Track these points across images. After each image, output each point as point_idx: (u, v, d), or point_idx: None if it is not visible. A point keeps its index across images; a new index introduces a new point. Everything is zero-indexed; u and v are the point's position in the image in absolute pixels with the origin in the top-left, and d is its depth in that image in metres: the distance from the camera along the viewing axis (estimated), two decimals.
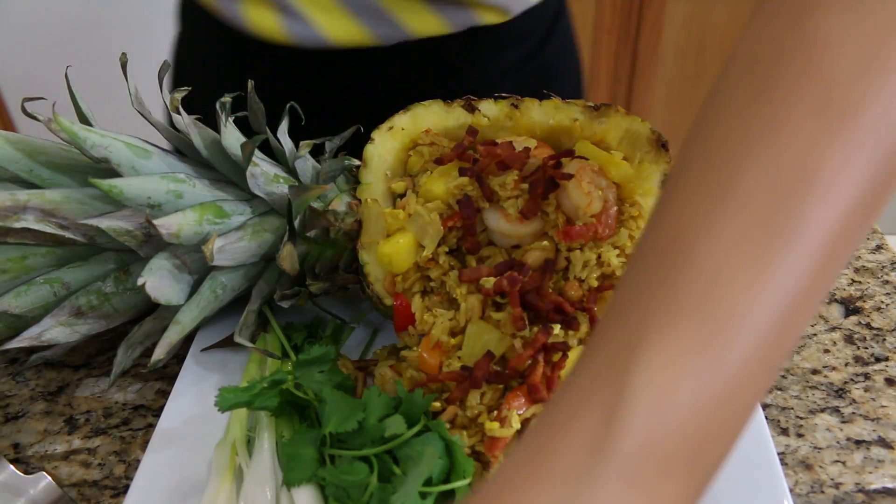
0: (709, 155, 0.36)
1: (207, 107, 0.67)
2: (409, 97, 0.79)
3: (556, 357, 0.58)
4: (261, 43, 0.82)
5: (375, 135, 0.68)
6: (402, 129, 0.68)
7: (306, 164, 0.69)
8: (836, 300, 0.78)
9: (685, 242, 0.33)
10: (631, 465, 0.29)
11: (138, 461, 0.64)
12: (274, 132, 0.68)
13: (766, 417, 0.64)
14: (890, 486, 0.61)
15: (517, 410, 0.56)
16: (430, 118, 0.68)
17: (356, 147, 0.70)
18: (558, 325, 0.59)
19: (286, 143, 0.70)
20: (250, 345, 0.65)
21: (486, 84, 0.89)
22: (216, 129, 0.65)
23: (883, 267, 0.82)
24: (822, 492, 0.61)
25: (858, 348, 0.73)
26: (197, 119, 0.67)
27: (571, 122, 0.64)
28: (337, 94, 0.85)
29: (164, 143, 0.70)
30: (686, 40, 2.36)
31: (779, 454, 0.63)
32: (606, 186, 0.60)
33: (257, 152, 0.67)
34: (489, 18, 0.82)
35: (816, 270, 0.32)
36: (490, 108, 0.65)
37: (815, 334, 0.74)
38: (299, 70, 0.85)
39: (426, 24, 0.79)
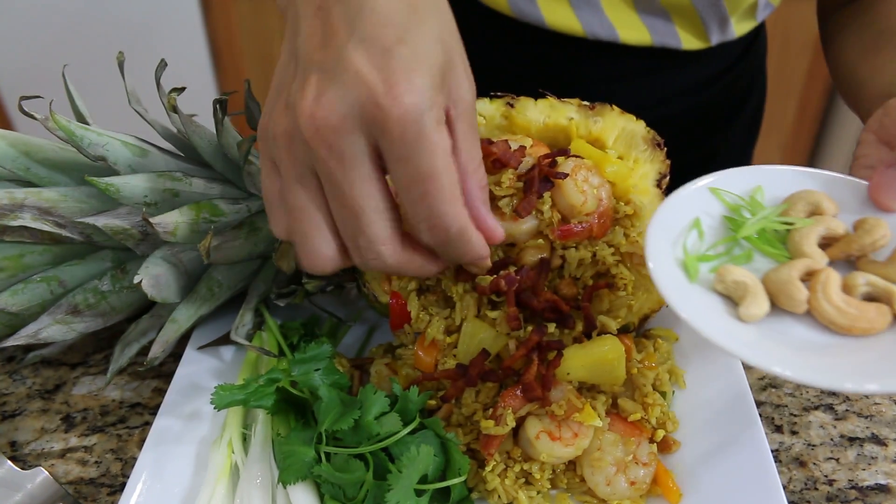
0: None
1: None
2: (601, 91, 0.83)
3: (551, 356, 0.58)
4: (484, 7, 0.85)
5: None
6: None
7: None
8: None
9: None
10: None
11: (135, 459, 0.64)
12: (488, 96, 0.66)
13: (761, 415, 0.64)
14: (883, 482, 0.61)
15: (512, 408, 0.56)
16: None
17: None
18: (553, 324, 0.59)
19: None
20: (247, 343, 0.65)
21: (675, 93, 0.92)
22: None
23: None
24: (816, 489, 0.61)
25: None
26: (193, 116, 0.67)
27: (567, 120, 0.64)
28: (538, 72, 0.88)
29: (162, 142, 0.70)
30: (770, 40, 2.37)
31: (773, 451, 0.63)
32: (601, 185, 0.61)
33: (253, 150, 0.67)
34: (689, 44, 0.85)
35: None
36: (486, 107, 0.65)
37: None
38: (513, 40, 0.87)
39: (634, 31, 0.83)
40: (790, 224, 0.50)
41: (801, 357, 0.44)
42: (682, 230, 0.50)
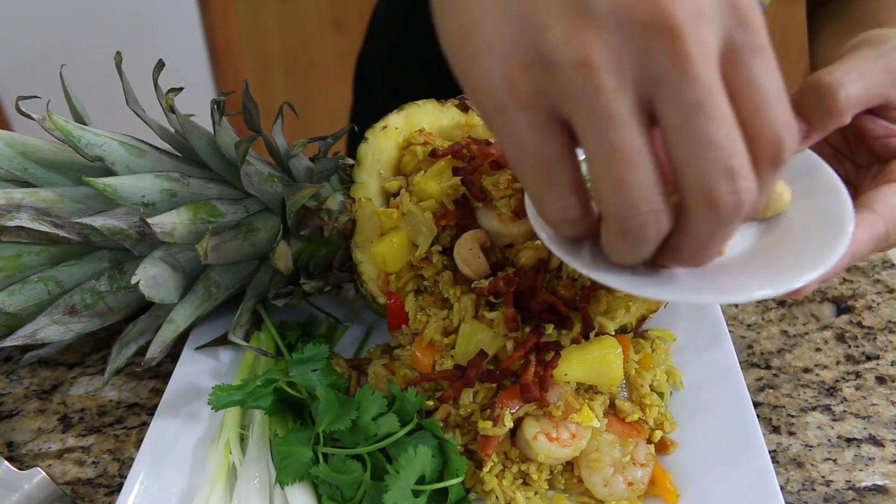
0: None
1: (398, 61, 0.62)
2: None
3: (549, 356, 0.58)
4: None
5: (369, 134, 0.68)
6: (396, 129, 0.68)
7: (300, 163, 0.69)
8: (827, 299, 0.79)
9: None
10: None
11: (132, 459, 0.64)
12: None
13: (758, 416, 0.64)
14: (880, 483, 0.61)
15: (510, 409, 0.56)
16: (424, 117, 0.68)
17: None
18: (551, 325, 0.59)
19: (280, 141, 0.70)
20: (244, 343, 0.65)
21: None
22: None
23: (874, 266, 0.83)
24: (814, 489, 0.61)
25: (850, 347, 0.73)
26: (188, 116, 0.67)
27: None
28: None
29: (159, 142, 0.70)
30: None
31: (770, 452, 0.63)
32: None
33: (251, 151, 0.67)
34: None
35: None
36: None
37: (806, 333, 0.75)
38: None
39: None
40: None
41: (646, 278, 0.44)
42: None
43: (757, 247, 0.48)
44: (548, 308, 0.59)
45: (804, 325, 0.76)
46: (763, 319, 0.76)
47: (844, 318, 0.77)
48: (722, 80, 0.34)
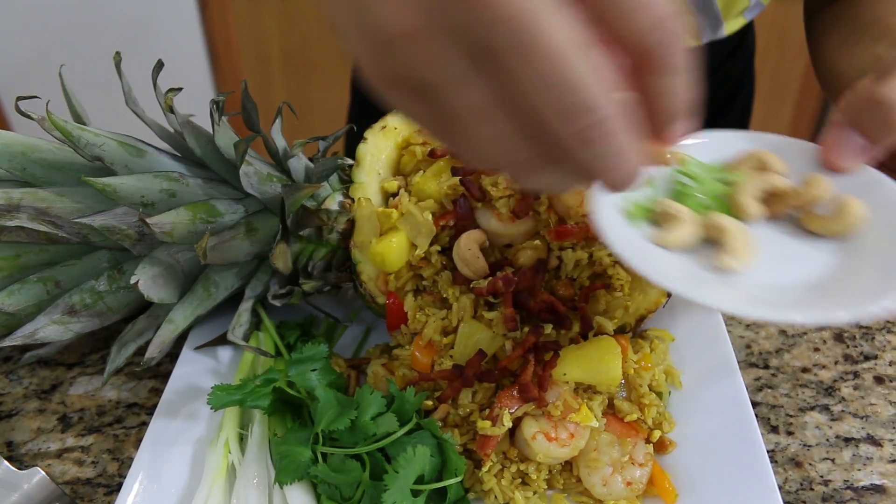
0: None
1: None
2: None
3: (548, 356, 0.58)
4: None
5: (368, 134, 0.68)
6: (395, 129, 0.68)
7: (299, 163, 0.69)
8: None
9: None
10: None
11: (131, 459, 0.64)
12: None
13: (757, 415, 0.65)
14: (878, 482, 0.61)
15: (508, 409, 0.56)
16: None
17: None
18: (549, 326, 0.59)
19: (279, 141, 0.70)
20: (243, 343, 0.65)
21: None
22: None
23: None
24: (812, 489, 0.61)
25: (848, 347, 0.73)
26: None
27: None
28: None
29: (158, 142, 0.70)
30: (766, 41, 2.37)
31: (769, 452, 0.63)
32: None
33: (251, 151, 0.67)
34: None
35: None
36: None
37: (805, 333, 0.75)
38: None
39: None
40: (732, 181, 0.50)
41: (709, 286, 0.44)
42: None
43: (838, 265, 0.47)
44: (546, 308, 0.59)
45: None
46: None
47: None
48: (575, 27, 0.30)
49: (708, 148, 0.53)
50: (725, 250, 0.46)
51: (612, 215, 0.47)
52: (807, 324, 0.42)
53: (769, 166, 0.51)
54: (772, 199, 0.50)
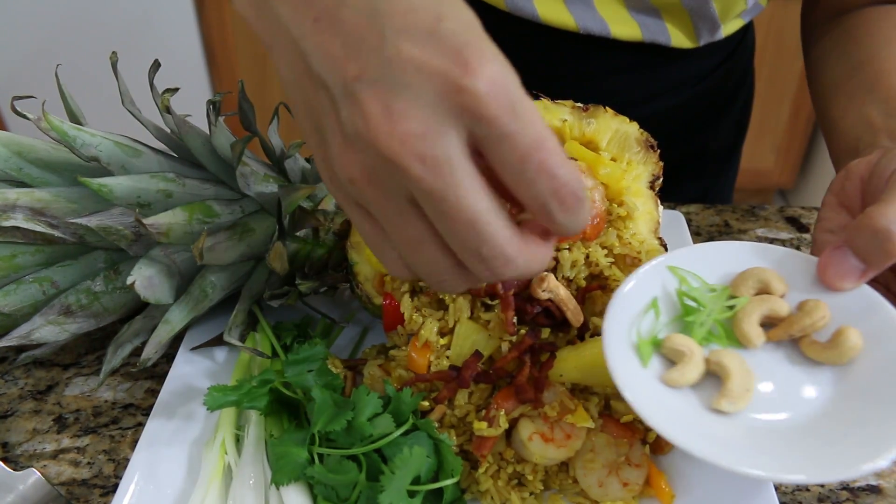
0: None
1: None
2: (593, 86, 0.86)
3: (544, 357, 0.58)
4: (478, 2, 0.84)
5: None
6: None
7: (296, 164, 0.69)
8: None
9: None
10: None
11: (127, 460, 0.64)
12: None
13: None
14: (874, 483, 0.61)
15: (505, 410, 0.56)
16: None
17: None
18: (548, 330, 0.59)
19: (276, 142, 0.70)
20: (240, 344, 0.65)
21: (665, 89, 0.93)
22: None
23: None
24: (808, 489, 0.61)
25: None
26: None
27: (560, 122, 0.64)
28: (531, 66, 0.87)
29: (155, 143, 0.70)
30: (763, 40, 2.38)
31: None
32: (594, 187, 0.61)
33: (247, 152, 0.67)
34: (678, 42, 0.86)
35: None
36: None
37: None
38: (507, 34, 0.87)
39: (625, 27, 0.83)
40: (734, 306, 0.52)
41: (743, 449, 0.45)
42: (640, 310, 0.52)
43: (837, 403, 0.48)
44: (543, 311, 0.59)
45: None
46: None
47: None
48: (476, 177, 0.38)
49: (709, 261, 0.54)
50: (724, 393, 0.47)
51: (623, 354, 0.49)
52: (793, 482, 0.45)
53: (770, 288, 0.52)
54: (772, 322, 0.52)
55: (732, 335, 0.51)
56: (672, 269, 0.54)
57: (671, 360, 0.50)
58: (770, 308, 0.51)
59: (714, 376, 0.49)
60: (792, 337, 0.51)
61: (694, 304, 0.52)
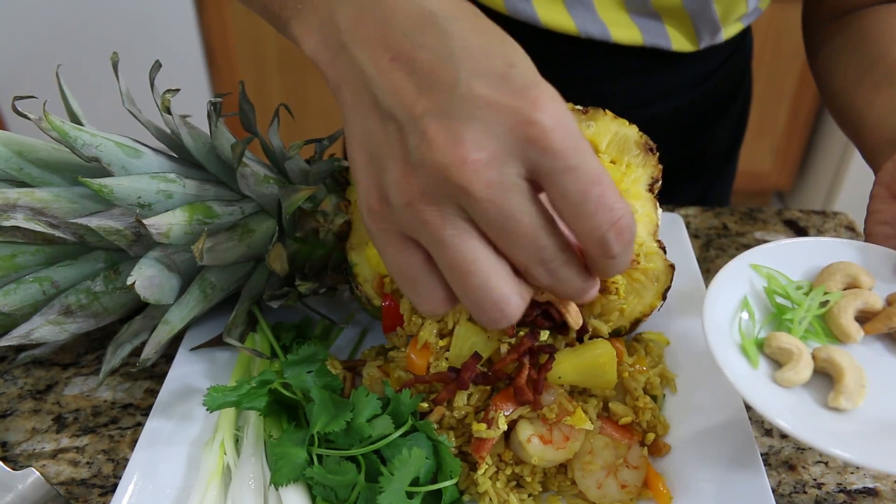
0: None
1: None
2: (593, 89, 0.86)
3: (543, 359, 0.58)
4: (479, 5, 0.85)
5: None
6: None
7: (296, 165, 0.69)
8: None
9: None
10: None
11: (126, 460, 0.64)
12: None
13: (751, 418, 0.65)
14: (871, 486, 0.61)
15: (504, 412, 0.57)
16: None
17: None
18: (547, 332, 0.60)
19: (276, 143, 0.70)
20: (239, 344, 0.65)
21: (665, 92, 0.94)
22: None
23: None
24: (805, 492, 0.61)
25: None
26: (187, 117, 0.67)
27: None
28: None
29: (155, 143, 0.70)
30: (762, 43, 2.38)
31: (762, 455, 0.64)
32: None
33: (248, 152, 0.67)
34: (679, 45, 0.86)
35: None
36: None
37: None
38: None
39: (626, 30, 0.84)
40: (827, 301, 0.51)
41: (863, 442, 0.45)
42: (734, 309, 0.52)
43: None
44: (542, 313, 0.59)
45: None
46: None
47: None
48: (536, 200, 0.40)
49: (787, 258, 0.54)
50: (841, 390, 0.47)
51: (733, 358, 0.49)
52: None
53: (859, 281, 0.52)
54: (865, 316, 0.51)
55: (829, 331, 0.50)
56: (755, 266, 0.53)
57: (775, 359, 0.49)
58: (865, 302, 0.50)
59: (821, 374, 0.48)
60: (891, 330, 0.50)
61: (786, 303, 0.51)
